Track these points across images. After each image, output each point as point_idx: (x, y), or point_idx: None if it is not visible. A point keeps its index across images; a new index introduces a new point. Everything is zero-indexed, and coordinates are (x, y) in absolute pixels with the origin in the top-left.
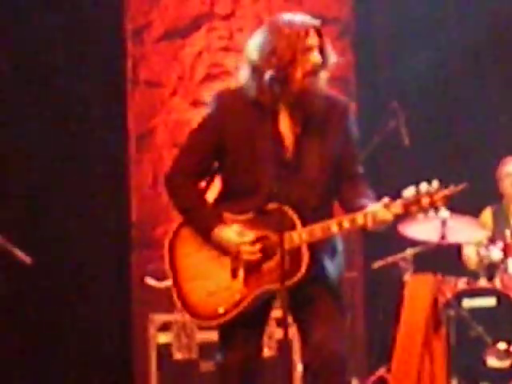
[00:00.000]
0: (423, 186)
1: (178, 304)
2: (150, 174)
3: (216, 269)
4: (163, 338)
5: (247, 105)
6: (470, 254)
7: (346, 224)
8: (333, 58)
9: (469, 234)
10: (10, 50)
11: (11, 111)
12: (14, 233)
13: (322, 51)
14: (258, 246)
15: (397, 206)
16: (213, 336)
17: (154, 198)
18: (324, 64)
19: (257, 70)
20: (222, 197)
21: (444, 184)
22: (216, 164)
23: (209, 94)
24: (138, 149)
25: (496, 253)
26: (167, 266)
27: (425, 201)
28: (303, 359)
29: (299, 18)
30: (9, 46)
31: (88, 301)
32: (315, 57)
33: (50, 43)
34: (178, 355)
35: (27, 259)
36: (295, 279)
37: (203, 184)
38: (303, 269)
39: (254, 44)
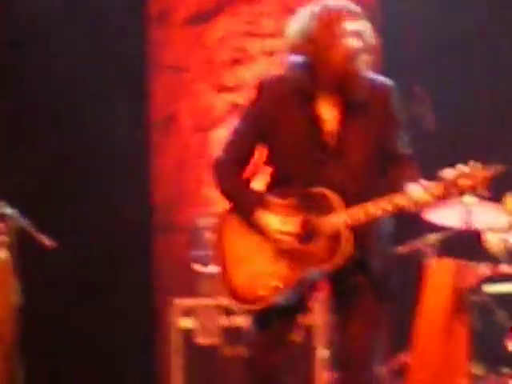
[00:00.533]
0: (462, 167)
1: (224, 289)
2: (174, 158)
3: (260, 253)
4: (186, 322)
5: (288, 91)
6: (491, 240)
7: (386, 206)
8: (372, 41)
9: (493, 220)
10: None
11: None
12: (37, 217)
13: (359, 35)
14: (296, 234)
15: (437, 188)
16: (236, 321)
17: (178, 182)
18: (362, 48)
19: (296, 56)
20: (270, 183)
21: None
22: (264, 151)
23: (232, 78)
24: (161, 133)
25: None
26: (214, 251)
27: (464, 182)
28: (335, 348)
29: (336, 2)
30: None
31: (111, 286)
32: (352, 42)
33: (72, 26)
34: (201, 340)
35: (50, 243)
36: (335, 262)
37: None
38: (343, 251)
39: (293, 29)
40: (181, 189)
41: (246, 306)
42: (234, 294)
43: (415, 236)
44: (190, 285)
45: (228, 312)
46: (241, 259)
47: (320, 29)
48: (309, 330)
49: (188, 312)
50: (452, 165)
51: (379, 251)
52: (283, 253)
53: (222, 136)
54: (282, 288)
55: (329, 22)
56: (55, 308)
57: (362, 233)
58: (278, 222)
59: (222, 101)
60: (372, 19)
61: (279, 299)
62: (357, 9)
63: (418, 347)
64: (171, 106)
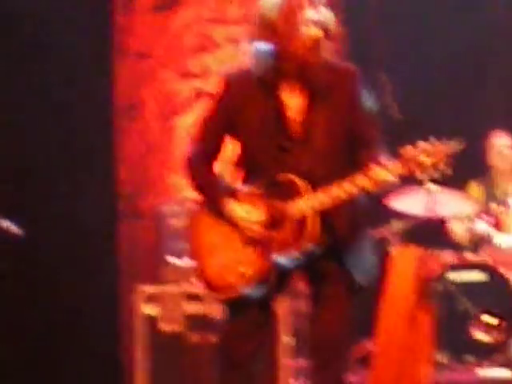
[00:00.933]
0: (422, 144)
1: (198, 280)
2: (138, 145)
3: (230, 242)
4: (150, 309)
5: (252, 81)
6: (455, 229)
7: (349, 187)
8: (333, 27)
9: (456, 208)
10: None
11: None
12: (1, 206)
13: (320, 24)
14: (263, 221)
15: (398, 166)
16: (200, 308)
17: (143, 169)
18: (322, 37)
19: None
20: (238, 168)
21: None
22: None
23: (197, 65)
24: (126, 120)
25: (482, 226)
26: (188, 244)
27: (425, 159)
28: (306, 335)
29: None
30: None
31: (76, 272)
32: (312, 31)
33: (36, 11)
34: (164, 327)
35: (18, 231)
36: (301, 245)
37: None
38: (309, 234)
39: (256, 16)
40: (146, 175)
41: (218, 295)
42: (206, 283)
43: (380, 223)
44: (155, 271)
45: (192, 299)
46: (212, 249)
47: (280, 17)
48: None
49: (152, 299)
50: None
51: (351, 235)
52: (251, 240)
53: (186, 122)
54: (251, 274)
55: (289, 10)
56: (18, 293)
57: (331, 217)
58: (245, 210)
59: (187, 87)
60: (336, 8)
61: (251, 287)
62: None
63: (381, 335)
64: (136, 92)
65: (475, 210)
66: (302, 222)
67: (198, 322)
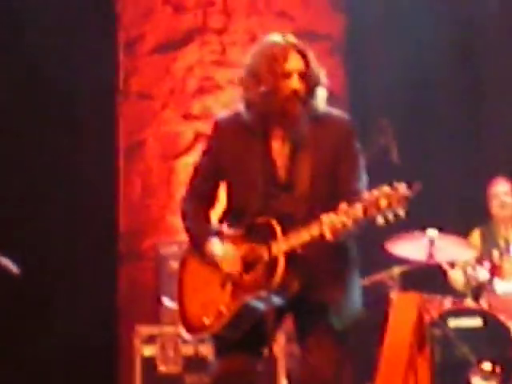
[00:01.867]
0: (384, 188)
1: (179, 321)
2: (139, 185)
3: (210, 282)
4: (148, 350)
5: (241, 128)
6: (456, 277)
7: (314, 231)
8: (320, 76)
9: (456, 254)
10: (3, 62)
11: (2, 120)
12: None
13: (304, 74)
14: (240, 263)
15: (356, 209)
16: (198, 349)
17: (143, 209)
18: (305, 88)
19: (245, 92)
20: (225, 215)
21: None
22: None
23: (200, 107)
24: (127, 160)
25: (483, 273)
26: (177, 283)
27: (383, 202)
28: (296, 377)
29: (281, 39)
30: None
31: (75, 311)
32: (293, 82)
33: (43, 53)
34: (162, 368)
35: (15, 269)
36: (269, 287)
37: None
38: (277, 278)
39: (244, 65)
40: (146, 216)
41: (195, 335)
42: (185, 324)
43: (380, 268)
44: (154, 313)
45: (190, 340)
46: (195, 290)
47: (264, 66)
48: (272, 360)
49: (151, 340)
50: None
51: (328, 280)
52: (229, 281)
53: (187, 164)
54: (225, 315)
55: (272, 59)
56: (15, 333)
57: (306, 260)
58: (224, 249)
59: (189, 129)
60: (336, 53)
61: (229, 328)
62: (302, 46)
63: (381, 379)
64: (138, 133)
65: (474, 257)
66: (273, 264)
67: (196, 364)
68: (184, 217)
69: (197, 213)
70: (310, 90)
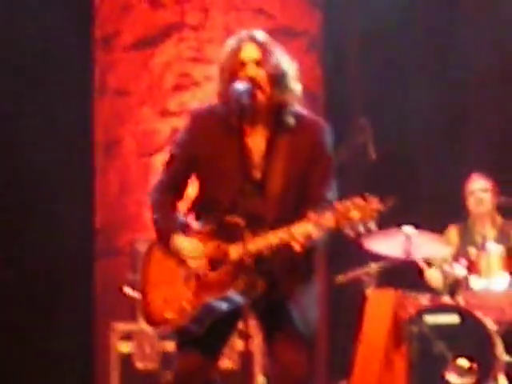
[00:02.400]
0: (356, 199)
1: (141, 312)
2: (116, 182)
3: (174, 277)
4: (125, 347)
5: (217, 121)
6: (432, 275)
7: (283, 236)
8: (283, 65)
9: (433, 251)
10: None
11: None
12: None
13: (260, 62)
14: (206, 260)
15: (327, 220)
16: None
17: (119, 206)
18: (263, 77)
19: (217, 87)
20: (193, 206)
21: (380, 197)
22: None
23: (177, 103)
24: (104, 157)
25: (460, 270)
26: (140, 274)
27: (354, 214)
28: (270, 376)
29: (243, 33)
30: None
31: (50, 308)
32: (249, 70)
33: (18, 45)
34: (139, 365)
35: None
36: (235, 288)
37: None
38: (242, 280)
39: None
40: (122, 213)
41: (155, 328)
42: (146, 316)
43: (357, 265)
44: (131, 309)
45: (167, 337)
46: (159, 282)
47: (225, 60)
48: (248, 358)
49: (128, 336)
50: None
51: (289, 280)
52: (193, 277)
53: (164, 160)
54: (188, 311)
55: (229, 53)
56: None
57: (271, 262)
58: (192, 246)
59: (166, 126)
60: (313, 50)
61: (189, 323)
62: (260, 37)
63: (357, 376)
64: (115, 129)
65: (451, 253)
66: (239, 265)
67: (173, 360)
68: (153, 209)
69: (165, 205)
70: (270, 78)
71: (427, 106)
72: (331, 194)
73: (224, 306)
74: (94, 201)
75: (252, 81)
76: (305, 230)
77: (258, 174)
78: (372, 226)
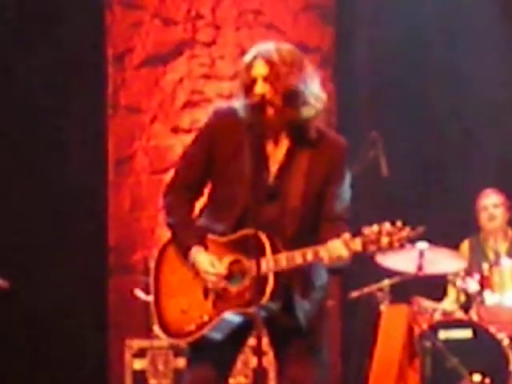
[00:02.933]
0: (385, 226)
1: (154, 319)
2: (128, 199)
3: (192, 287)
4: (139, 364)
5: (238, 122)
6: (448, 290)
7: (310, 256)
8: (294, 80)
9: (446, 266)
10: None
11: None
12: None
13: (268, 78)
14: (224, 274)
15: (356, 244)
16: None
17: (132, 223)
18: (270, 93)
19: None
20: (206, 209)
21: (406, 224)
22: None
23: (189, 120)
24: (116, 174)
25: (473, 285)
26: (151, 280)
27: (384, 240)
28: None
29: (257, 48)
30: None
31: (65, 325)
32: (257, 87)
33: (31, 65)
34: (153, 382)
35: (4, 284)
36: (258, 305)
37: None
38: (266, 297)
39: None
40: (135, 230)
41: (174, 340)
42: (162, 325)
43: (371, 281)
44: (145, 326)
45: (180, 353)
46: (174, 291)
47: (239, 75)
48: (262, 374)
49: (141, 353)
50: (400, 209)
51: (306, 298)
52: (211, 290)
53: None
54: (206, 324)
55: (242, 69)
56: (6, 349)
57: (289, 279)
58: (209, 261)
59: (178, 142)
60: (326, 66)
61: (209, 332)
62: (271, 54)
63: None
64: (128, 147)
65: (464, 268)
66: (260, 282)
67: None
68: (168, 211)
69: (180, 206)
70: (280, 94)
71: (439, 121)
72: (347, 213)
73: (238, 319)
74: (106, 218)
75: (262, 98)
76: (334, 252)
77: (273, 183)
78: (421, 243)
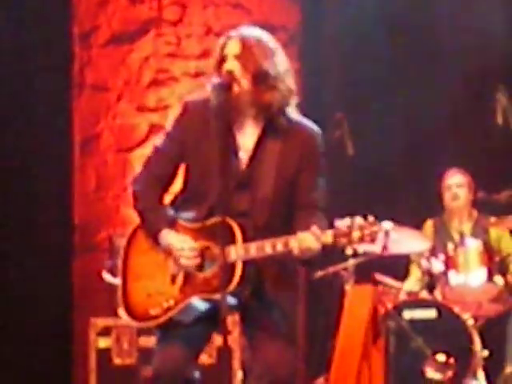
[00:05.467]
0: (357, 220)
1: (120, 302)
2: (94, 178)
3: (159, 272)
4: (103, 342)
5: (209, 114)
6: (411, 270)
7: (279, 247)
8: (272, 65)
9: (411, 246)
10: None
11: None
12: None
13: (240, 56)
14: (196, 255)
15: (327, 236)
16: (153, 341)
17: (97, 202)
18: (246, 69)
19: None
20: (177, 200)
21: (376, 217)
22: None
23: (155, 99)
24: (82, 153)
25: (437, 265)
26: (120, 263)
27: (355, 235)
28: (253, 376)
29: (236, 31)
30: None
31: (30, 304)
32: (227, 64)
33: None
34: (117, 360)
35: None
36: (225, 292)
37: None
38: (233, 285)
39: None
40: (101, 208)
41: (139, 324)
42: (128, 308)
43: (335, 261)
44: (110, 305)
45: (145, 332)
46: (141, 275)
47: (214, 53)
48: (227, 353)
49: (106, 332)
50: (364, 190)
51: (276, 283)
52: (181, 275)
53: (142, 156)
54: (172, 309)
55: (216, 48)
56: None
57: (258, 268)
58: (181, 239)
59: (144, 121)
60: (292, 45)
61: (175, 319)
62: (244, 35)
63: (335, 372)
64: (94, 125)
65: (428, 248)
66: (229, 269)
67: (151, 355)
68: (137, 198)
69: (152, 195)
70: (253, 74)
71: (406, 104)
72: (322, 201)
73: (205, 305)
74: (72, 197)
75: (229, 74)
76: (304, 244)
77: (244, 172)
78: (386, 223)
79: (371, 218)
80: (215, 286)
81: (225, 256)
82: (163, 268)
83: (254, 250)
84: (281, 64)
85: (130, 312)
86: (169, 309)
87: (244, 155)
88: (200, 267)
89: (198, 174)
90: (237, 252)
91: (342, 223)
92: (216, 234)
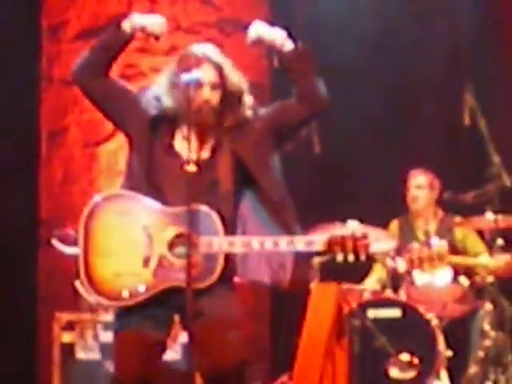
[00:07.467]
0: (352, 227)
1: (82, 276)
2: (61, 172)
3: (130, 251)
4: (67, 337)
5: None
6: (375, 268)
7: (268, 245)
8: (239, 84)
9: (377, 245)
10: None
11: None
12: None
13: (217, 85)
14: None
15: (322, 244)
16: None
17: (64, 196)
18: (221, 97)
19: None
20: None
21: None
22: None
23: None
24: (49, 147)
25: (402, 264)
26: (80, 236)
27: (349, 244)
28: (201, 369)
29: (199, 51)
30: None
31: None
32: (204, 93)
33: None
34: (81, 355)
35: None
36: (204, 284)
37: None
38: (214, 276)
39: (164, 70)
40: (67, 202)
41: (99, 298)
42: (93, 284)
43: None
44: (74, 299)
45: (109, 327)
46: (107, 251)
47: (179, 78)
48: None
49: (70, 326)
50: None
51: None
52: (153, 258)
53: (109, 150)
54: (143, 293)
55: (177, 68)
56: None
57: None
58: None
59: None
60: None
61: (141, 303)
62: (219, 57)
63: (298, 370)
64: (61, 119)
65: (394, 248)
66: (208, 258)
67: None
68: (78, 67)
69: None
70: (225, 100)
71: (372, 103)
72: (286, 197)
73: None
74: (38, 190)
75: (206, 103)
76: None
77: (205, 170)
78: (363, 257)
79: (366, 229)
80: (195, 276)
81: (207, 246)
82: (134, 249)
83: (240, 245)
84: (239, 77)
85: (92, 286)
86: (138, 294)
87: (203, 156)
88: (176, 254)
89: (144, 167)
90: (220, 244)
91: (339, 232)
92: (194, 222)
